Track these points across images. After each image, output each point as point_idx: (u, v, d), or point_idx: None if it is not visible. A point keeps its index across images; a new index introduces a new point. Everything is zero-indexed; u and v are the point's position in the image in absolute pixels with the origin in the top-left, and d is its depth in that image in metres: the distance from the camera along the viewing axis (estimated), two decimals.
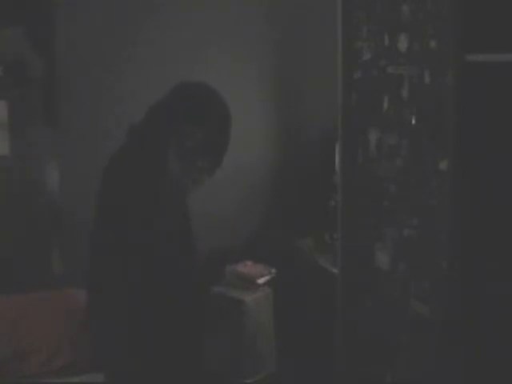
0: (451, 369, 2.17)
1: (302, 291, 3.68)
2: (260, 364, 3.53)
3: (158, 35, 3.61)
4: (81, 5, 3.48)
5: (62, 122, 3.53)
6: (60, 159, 3.56)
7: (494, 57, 2.02)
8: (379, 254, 2.55)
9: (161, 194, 1.95)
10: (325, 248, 3.66)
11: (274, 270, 3.66)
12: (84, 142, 3.52)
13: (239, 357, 3.47)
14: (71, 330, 2.94)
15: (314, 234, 3.81)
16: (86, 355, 2.82)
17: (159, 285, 1.91)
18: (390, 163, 2.45)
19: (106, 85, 3.54)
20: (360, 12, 2.59)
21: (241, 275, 3.60)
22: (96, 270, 2.02)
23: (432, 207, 2.22)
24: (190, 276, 2.00)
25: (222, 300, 3.48)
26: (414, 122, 2.30)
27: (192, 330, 2.03)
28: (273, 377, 3.56)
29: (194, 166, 2.00)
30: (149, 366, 1.93)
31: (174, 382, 2.00)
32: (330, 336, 2.99)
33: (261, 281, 3.59)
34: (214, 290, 3.50)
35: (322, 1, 3.42)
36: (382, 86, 2.47)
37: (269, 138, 4.00)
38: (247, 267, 3.68)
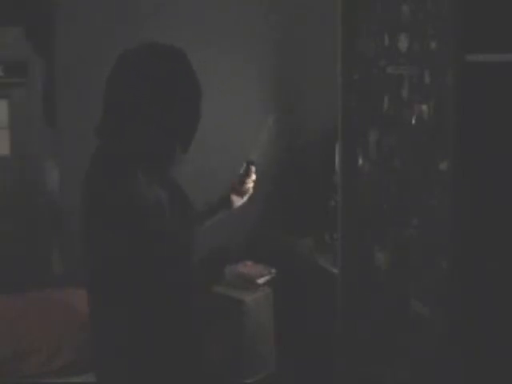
0: (451, 369, 2.17)
1: (301, 291, 3.68)
2: (260, 364, 3.53)
3: (158, 35, 3.60)
4: (81, 5, 3.49)
5: (62, 121, 3.53)
6: (60, 159, 3.56)
7: (494, 57, 2.02)
8: (379, 254, 2.54)
9: (157, 192, 1.94)
10: (325, 248, 3.65)
11: (273, 270, 3.66)
12: (84, 142, 3.51)
13: (239, 357, 3.47)
14: (71, 330, 2.95)
15: (314, 233, 3.81)
16: (86, 355, 2.82)
17: (159, 285, 1.90)
18: (390, 163, 2.45)
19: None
20: (360, 12, 2.60)
21: (241, 275, 3.60)
22: (94, 270, 2.01)
23: (432, 207, 2.22)
24: (190, 276, 2.00)
25: (222, 300, 3.48)
26: (413, 122, 2.30)
27: (192, 330, 2.03)
28: (273, 377, 3.55)
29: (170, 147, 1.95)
30: (149, 366, 1.92)
31: (173, 382, 2.00)
32: (329, 336, 2.99)
33: (261, 281, 3.59)
34: (214, 290, 3.50)
35: (322, 1, 3.42)
36: (382, 86, 2.47)
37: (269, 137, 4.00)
38: (247, 267, 3.68)
